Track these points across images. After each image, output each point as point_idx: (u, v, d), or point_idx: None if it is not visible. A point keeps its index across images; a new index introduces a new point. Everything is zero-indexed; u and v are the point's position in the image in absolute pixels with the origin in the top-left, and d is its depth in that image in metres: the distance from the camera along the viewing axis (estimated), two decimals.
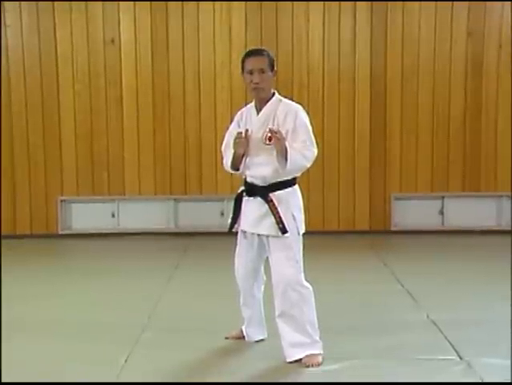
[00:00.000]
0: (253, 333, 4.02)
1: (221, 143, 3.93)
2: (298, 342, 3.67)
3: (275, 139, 3.56)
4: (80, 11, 7.69)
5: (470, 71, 7.79)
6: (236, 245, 3.95)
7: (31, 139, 7.83)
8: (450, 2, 7.70)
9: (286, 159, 3.56)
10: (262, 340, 4.02)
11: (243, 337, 4.05)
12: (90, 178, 7.89)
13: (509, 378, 3.45)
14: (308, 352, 3.66)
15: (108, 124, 7.84)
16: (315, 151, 3.69)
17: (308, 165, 3.68)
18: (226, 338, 4.09)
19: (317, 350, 3.69)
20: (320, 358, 3.67)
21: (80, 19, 7.71)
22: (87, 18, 7.72)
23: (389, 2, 7.72)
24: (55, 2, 7.66)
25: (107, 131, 7.85)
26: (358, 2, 7.70)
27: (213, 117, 7.77)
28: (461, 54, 7.77)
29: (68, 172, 7.87)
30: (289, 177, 3.70)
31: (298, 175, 3.77)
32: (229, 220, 3.93)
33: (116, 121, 7.83)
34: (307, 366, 3.62)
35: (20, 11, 7.69)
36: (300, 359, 3.66)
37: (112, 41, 7.73)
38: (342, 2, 7.71)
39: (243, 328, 4.06)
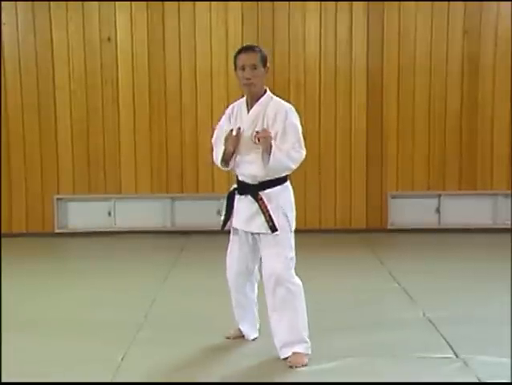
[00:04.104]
0: (248, 332, 4.00)
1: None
2: (288, 341, 3.65)
3: (261, 138, 3.57)
4: (76, 10, 7.68)
5: (466, 70, 7.80)
6: None
7: (27, 138, 7.82)
8: (446, 2, 7.71)
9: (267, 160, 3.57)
10: (256, 338, 4.00)
11: (242, 335, 4.03)
12: (86, 176, 7.89)
13: (505, 375, 3.46)
14: (295, 351, 3.63)
15: (104, 123, 7.83)
16: (304, 153, 3.68)
17: (293, 166, 3.67)
18: (228, 337, 4.06)
19: (303, 349, 3.65)
20: (306, 359, 3.62)
21: (76, 18, 7.70)
22: (83, 16, 7.71)
23: (385, 2, 7.72)
24: (51, 1, 7.65)
25: (104, 129, 7.84)
26: (354, 2, 7.70)
27: (210, 116, 7.76)
28: (458, 54, 7.78)
29: (64, 170, 7.87)
30: (279, 175, 3.68)
31: (284, 174, 3.73)
32: (222, 218, 3.93)
33: (113, 119, 7.83)
34: (291, 367, 3.58)
35: (16, 10, 7.68)
36: (287, 357, 3.63)
37: (109, 39, 7.72)
38: (338, 2, 7.71)
39: (240, 327, 4.04)
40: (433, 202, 7.98)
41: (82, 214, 7.96)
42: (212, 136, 3.91)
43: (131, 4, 7.69)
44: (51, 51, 7.73)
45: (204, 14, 7.71)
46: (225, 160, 3.77)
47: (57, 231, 7.90)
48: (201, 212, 7.89)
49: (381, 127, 7.86)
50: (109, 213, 7.97)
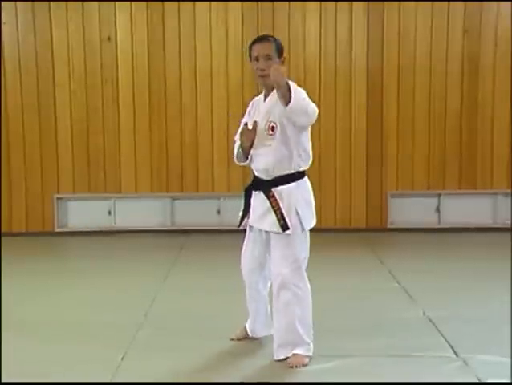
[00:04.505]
0: (259, 329, 3.95)
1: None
2: (286, 342, 3.62)
3: (273, 70, 3.36)
4: (76, 9, 7.69)
5: (466, 70, 7.81)
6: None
7: (27, 137, 7.83)
8: (446, 2, 7.71)
9: (288, 99, 3.35)
10: (265, 337, 3.94)
11: (247, 334, 3.99)
12: (86, 176, 7.89)
13: (504, 374, 3.46)
14: (295, 352, 3.61)
15: (104, 122, 7.84)
16: (317, 111, 3.52)
17: (311, 111, 3.46)
18: (232, 339, 4.00)
19: (304, 351, 3.63)
20: (306, 360, 3.60)
21: (76, 17, 7.70)
22: (83, 16, 7.71)
23: (385, 2, 7.72)
24: (51, 1, 7.65)
25: (104, 129, 7.85)
26: (354, 2, 7.70)
27: (210, 116, 7.78)
28: (458, 53, 7.78)
29: (64, 170, 7.87)
30: (292, 171, 3.62)
31: (305, 166, 3.67)
32: (240, 214, 3.83)
33: (112, 119, 7.83)
34: (291, 367, 3.56)
35: (16, 10, 7.68)
36: (286, 359, 3.61)
37: (109, 38, 7.72)
38: (338, 2, 7.71)
39: (246, 325, 4.00)
40: (433, 201, 7.99)
41: (82, 213, 7.97)
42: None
43: (131, 4, 7.69)
44: (51, 51, 7.74)
45: (204, 14, 7.71)
46: (244, 154, 3.71)
47: (57, 230, 7.91)
48: (200, 212, 7.90)
49: (381, 127, 7.86)
50: (109, 213, 7.98)
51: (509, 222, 7.80)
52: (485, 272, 5.81)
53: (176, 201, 8.00)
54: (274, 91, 3.51)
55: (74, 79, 7.78)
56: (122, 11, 7.71)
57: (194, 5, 7.71)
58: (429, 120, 7.86)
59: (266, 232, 3.69)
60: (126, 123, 7.84)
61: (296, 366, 3.57)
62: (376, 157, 7.88)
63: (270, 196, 3.60)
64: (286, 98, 3.37)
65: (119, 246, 7.36)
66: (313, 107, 3.52)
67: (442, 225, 7.96)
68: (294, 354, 3.62)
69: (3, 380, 3.41)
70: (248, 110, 3.84)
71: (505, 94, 7.78)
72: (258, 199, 3.68)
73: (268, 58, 3.58)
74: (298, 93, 3.43)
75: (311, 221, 3.73)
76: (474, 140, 7.88)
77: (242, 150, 3.72)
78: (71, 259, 7.11)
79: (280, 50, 3.65)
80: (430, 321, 4.39)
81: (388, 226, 7.93)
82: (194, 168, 7.89)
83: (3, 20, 7.66)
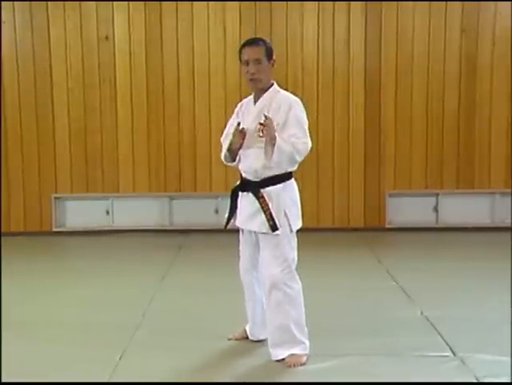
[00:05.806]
0: (257, 331, 3.93)
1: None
2: (281, 342, 3.63)
3: (265, 127, 3.47)
4: (74, 9, 7.69)
5: (464, 70, 7.82)
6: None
7: (25, 137, 7.83)
8: (444, 1, 7.72)
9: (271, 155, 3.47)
10: (265, 339, 3.88)
11: (247, 337, 3.98)
12: (84, 175, 7.89)
13: (502, 373, 3.47)
14: (291, 352, 3.61)
15: (102, 121, 7.84)
16: (308, 142, 3.60)
17: (299, 159, 3.59)
18: (229, 339, 4.00)
19: (301, 350, 3.64)
20: (304, 359, 3.62)
21: (74, 16, 7.70)
22: (80, 15, 7.71)
23: (383, 2, 7.73)
24: (49, 1, 7.65)
25: (101, 128, 7.84)
26: (352, 2, 7.71)
27: (208, 115, 7.78)
28: (455, 53, 7.79)
29: (62, 169, 7.87)
30: (282, 171, 3.62)
31: (292, 169, 3.68)
32: (226, 215, 3.86)
33: (110, 118, 7.83)
34: (289, 366, 3.57)
35: (13, 8, 7.68)
36: (283, 359, 3.61)
37: (106, 37, 7.72)
38: (336, 2, 7.72)
39: (247, 328, 3.99)
40: (431, 201, 8.00)
41: (80, 213, 7.97)
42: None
43: (128, 4, 7.69)
44: (49, 50, 7.73)
45: (202, 14, 7.72)
46: (231, 155, 3.71)
47: (55, 230, 7.90)
48: (199, 211, 7.91)
49: (379, 127, 7.87)
50: (107, 212, 7.98)
51: (509, 222, 7.81)
52: (482, 271, 5.82)
53: (175, 201, 8.00)
54: (265, 94, 3.62)
55: (71, 78, 7.78)
56: (120, 11, 7.71)
57: (192, 5, 7.71)
58: (427, 120, 7.87)
59: (255, 233, 3.70)
60: (124, 122, 7.84)
61: (294, 366, 3.58)
62: (374, 157, 7.89)
63: (260, 197, 3.60)
64: (270, 152, 3.50)
65: (118, 246, 7.36)
66: (302, 150, 3.57)
67: (440, 225, 7.97)
68: (291, 354, 3.62)
69: (3, 380, 3.42)
70: (236, 111, 3.85)
71: (503, 94, 7.79)
72: (246, 200, 3.69)
73: (258, 62, 3.62)
74: (284, 144, 3.50)
75: (298, 222, 3.73)
76: (472, 140, 7.89)
77: (231, 151, 3.72)
78: (69, 259, 7.11)
79: (270, 54, 3.67)
80: (428, 320, 4.40)
81: (386, 226, 7.94)
82: (192, 168, 7.89)
83: (3, 19, 7.65)
